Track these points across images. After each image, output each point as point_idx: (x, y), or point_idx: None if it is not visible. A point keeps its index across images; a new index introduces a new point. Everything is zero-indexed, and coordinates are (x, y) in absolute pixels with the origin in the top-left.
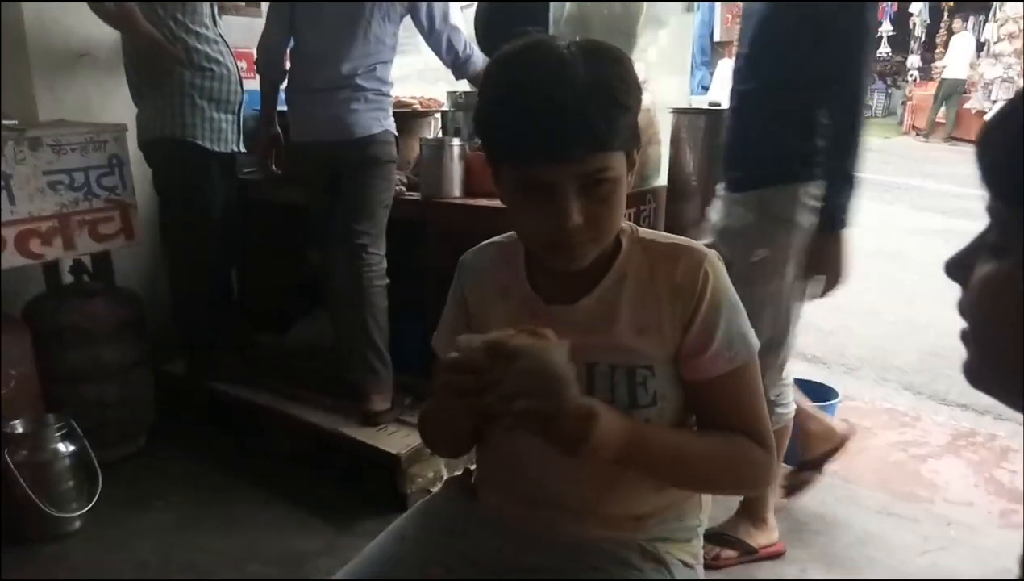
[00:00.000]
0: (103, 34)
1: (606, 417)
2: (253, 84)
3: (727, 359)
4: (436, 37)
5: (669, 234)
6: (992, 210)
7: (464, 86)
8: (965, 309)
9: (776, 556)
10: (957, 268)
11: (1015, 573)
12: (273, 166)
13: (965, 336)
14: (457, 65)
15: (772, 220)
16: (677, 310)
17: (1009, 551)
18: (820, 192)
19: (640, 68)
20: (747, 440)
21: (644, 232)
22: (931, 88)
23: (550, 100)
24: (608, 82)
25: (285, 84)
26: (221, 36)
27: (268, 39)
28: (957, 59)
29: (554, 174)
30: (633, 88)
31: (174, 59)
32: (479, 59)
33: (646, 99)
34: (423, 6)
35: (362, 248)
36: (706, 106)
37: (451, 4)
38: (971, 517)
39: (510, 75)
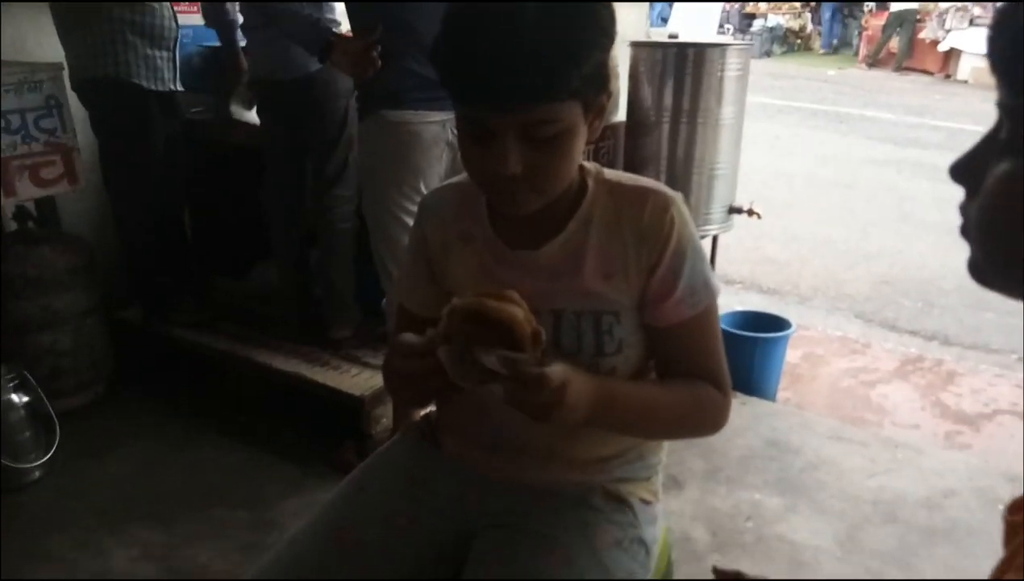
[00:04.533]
0: None
1: (575, 382)
2: (193, 19)
3: (690, 305)
4: None
5: (635, 176)
6: (1004, 106)
7: None
8: (969, 209)
9: None
10: (962, 171)
11: (958, 492)
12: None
13: (966, 232)
14: None
15: None
16: (643, 254)
17: (952, 471)
18: None
19: None
20: (706, 385)
21: (609, 173)
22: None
23: (493, 44)
24: (563, 29)
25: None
26: None
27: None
28: None
29: (494, 119)
30: (595, 36)
31: None
32: None
33: None
34: None
35: (325, 188)
36: (665, 39)
37: None
38: (917, 439)
39: (464, 12)
